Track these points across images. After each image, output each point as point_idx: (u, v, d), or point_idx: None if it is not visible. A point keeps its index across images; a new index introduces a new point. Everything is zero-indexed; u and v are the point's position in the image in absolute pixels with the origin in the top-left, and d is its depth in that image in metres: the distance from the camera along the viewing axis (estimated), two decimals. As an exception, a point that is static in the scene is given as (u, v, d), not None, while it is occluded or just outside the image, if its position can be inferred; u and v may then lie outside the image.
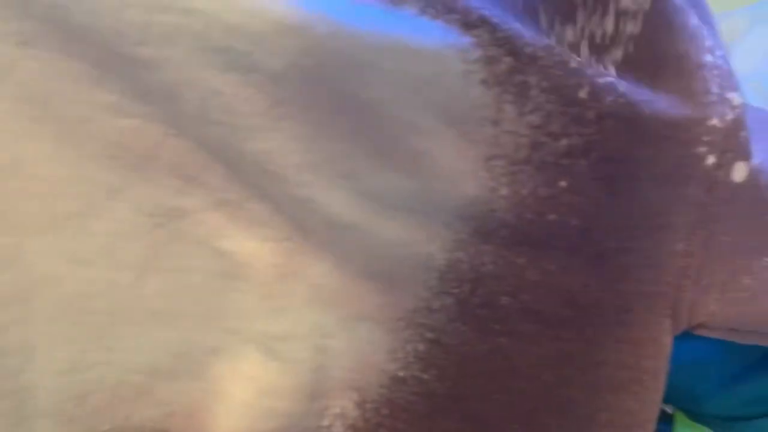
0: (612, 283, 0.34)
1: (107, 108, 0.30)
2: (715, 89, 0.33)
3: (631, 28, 0.34)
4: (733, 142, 0.33)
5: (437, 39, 0.32)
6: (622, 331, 0.33)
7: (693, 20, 0.34)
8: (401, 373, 0.35)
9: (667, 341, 0.33)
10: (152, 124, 0.31)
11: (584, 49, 0.34)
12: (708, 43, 0.34)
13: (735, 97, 0.33)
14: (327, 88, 0.31)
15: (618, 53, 0.34)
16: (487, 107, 0.32)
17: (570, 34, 0.34)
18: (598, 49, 0.34)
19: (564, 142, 0.32)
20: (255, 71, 0.30)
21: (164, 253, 0.33)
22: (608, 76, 0.33)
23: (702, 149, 0.33)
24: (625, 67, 0.34)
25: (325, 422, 0.35)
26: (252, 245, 0.33)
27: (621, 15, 0.34)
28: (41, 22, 0.29)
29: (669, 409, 0.48)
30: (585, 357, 0.33)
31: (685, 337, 0.35)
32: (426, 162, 0.32)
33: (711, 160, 0.33)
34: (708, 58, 0.34)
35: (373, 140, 0.32)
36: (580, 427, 0.34)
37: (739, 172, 0.33)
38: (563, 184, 0.33)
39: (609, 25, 0.34)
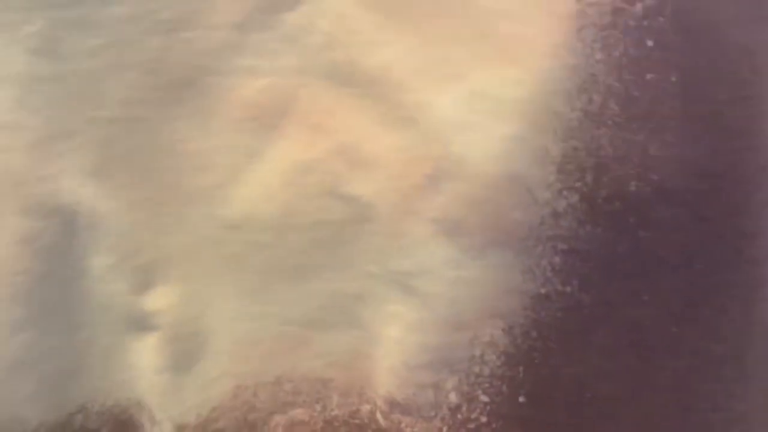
0: (730, 140, 0.32)
1: (243, 72, 0.31)
2: None
3: None
4: None
5: None
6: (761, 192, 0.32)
7: None
8: (542, 290, 0.34)
9: None
10: (285, 79, 0.32)
11: None
12: None
13: None
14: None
15: None
16: None
17: None
18: None
19: (639, 5, 0.34)
20: None
21: (298, 210, 0.34)
22: None
23: None
24: None
25: (477, 352, 0.35)
26: (373, 187, 0.33)
27: None
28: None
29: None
30: (730, 229, 0.32)
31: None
32: (523, 45, 0.31)
33: None
34: None
35: (472, 36, 0.31)
36: (738, 304, 0.32)
37: None
38: (650, 43, 0.33)
39: None
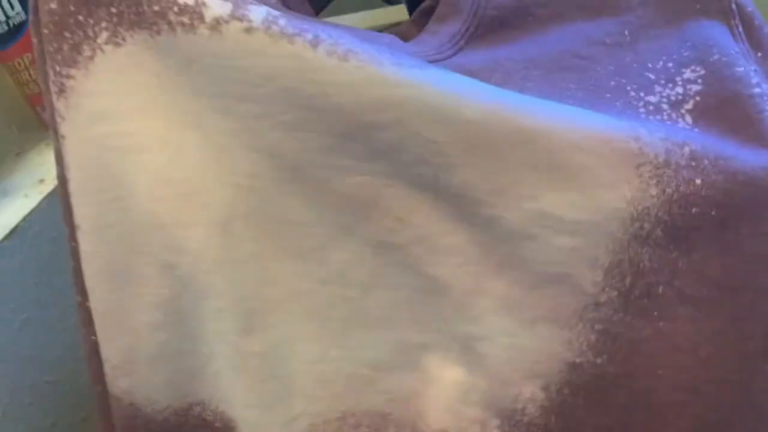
0: (749, 264, 0.38)
1: (343, 169, 0.41)
2: None
3: (696, 89, 0.42)
4: None
5: None
6: (763, 306, 0.38)
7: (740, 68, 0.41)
8: (577, 360, 0.41)
9: None
10: (375, 179, 0.41)
11: (664, 105, 0.42)
12: (754, 80, 0.41)
13: None
14: (508, 129, 0.38)
15: (689, 104, 0.42)
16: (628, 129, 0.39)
17: (651, 98, 0.42)
18: (672, 106, 0.42)
19: (687, 149, 0.38)
20: (457, 121, 0.39)
21: (383, 275, 0.43)
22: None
23: None
24: (697, 114, 0.41)
25: (519, 405, 0.42)
26: (447, 271, 0.42)
27: (686, 83, 0.43)
28: (303, 110, 0.39)
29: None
30: (735, 332, 0.38)
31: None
32: (587, 175, 0.38)
33: None
34: (756, 90, 0.40)
35: (544, 164, 0.39)
36: (739, 394, 0.38)
37: None
38: (698, 181, 0.38)
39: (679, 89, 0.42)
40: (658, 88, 0.43)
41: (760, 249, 0.38)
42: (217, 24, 0.39)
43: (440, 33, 0.47)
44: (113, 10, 0.40)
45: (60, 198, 0.46)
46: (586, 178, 0.38)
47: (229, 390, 0.46)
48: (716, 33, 0.44)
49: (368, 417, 0.46)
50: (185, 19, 0.40)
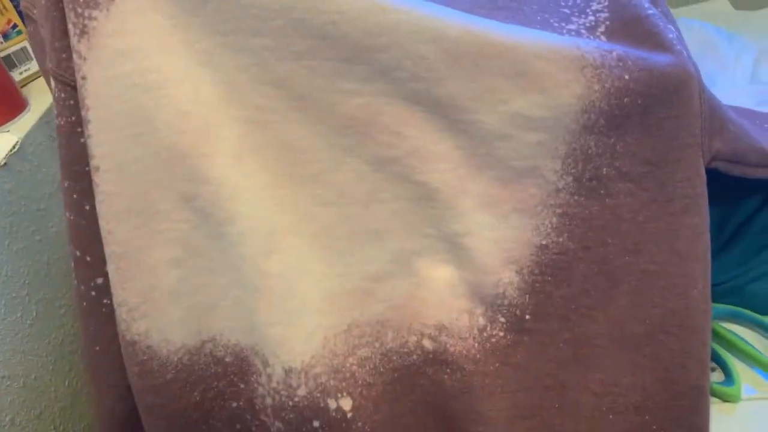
0: (667, 140, 0.48)
1: (347, 92, 0.46)
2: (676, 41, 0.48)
3: (604, 15, 0.50)
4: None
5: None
6: (679, 173, 0.48)
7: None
8: (544, 242, 0.49)
9: (704, 173, 0.49)
10: (376, 99, 0.46)
11: (582, 30, 0.50)
12: (646, 4, 0.50)
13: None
14: (482, 42, 0.45)
15: (602, 28, 0.50)
16: (571, 41, 0.47)
17: (571, 26, 0.50)
18: (589, 30, 0.50)
19: (614, 53, 0.47)
20: (443, 39, 0.44)
21: (381, 189, 0.48)
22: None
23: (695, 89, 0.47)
24: (609, 34, 0.49)
25: (500, 290, 0.49)
26: (437, 176, 0.48)
27: (595, 12, 0.51)
28: (314, 39, 0.44)
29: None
30: (662, 196, 0.48)
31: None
32: (547, 78, 0.46)
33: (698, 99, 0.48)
34: (650, 11, 0.50)
35: (513, 72, 0.46)
36: (670, 245, 0.48)
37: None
38: (626, 76, 0.47)
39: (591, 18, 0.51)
40: (574, 19, 0.50)
41: (672, 126, 0.48)
42: None
43: None
44: None
45: (62, 148, 0.46)
46: (547, 81, 0.46)
47: (250, 314, 0.48)
48: None
49: (369, 326, 0.50)
50: None
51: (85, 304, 0.50)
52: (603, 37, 0.49)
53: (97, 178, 0.45)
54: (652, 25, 0.48)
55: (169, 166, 0.45)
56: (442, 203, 0.49)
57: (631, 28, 0.49)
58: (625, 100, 0.47)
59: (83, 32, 0.43)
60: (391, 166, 0.48)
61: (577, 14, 0.51)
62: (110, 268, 0.46)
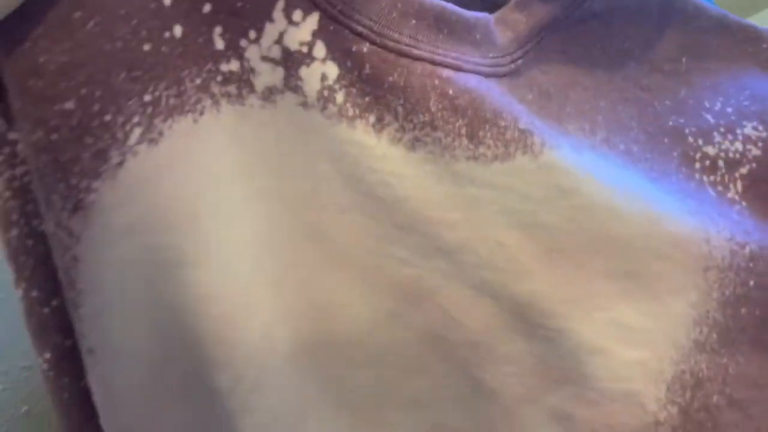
0: None
1: (398, 260, 0.37)
2: None
3: (754, 153, 0.41)
4: None
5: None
6: None
7: None
8: None
9: None
10: (432, 275, 0.37)
11: (720, 162, 0.40)
12: None
13: None
14: (590, 237, 0.37)
15: (745, 169, 0.41)
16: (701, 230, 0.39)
17: (709, 149, 0.41)
18: (728, 166, 0.41)
19: (747, 249, 0.39)
20: (535, 226, 0.36)
21: (426, 360, 0.39)
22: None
23: None
24: (749, 182, 0.40)
25: None
26: (498, 379, 0.38)
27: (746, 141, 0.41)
28: (362, 196, 0.36)
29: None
30: (766, 424, 0.39)
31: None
32: (661, 283, 0.38)
33: None
34: None
35: (622, 273, 0.37)
36: None
37: None
38: (751, 282, 0.39)
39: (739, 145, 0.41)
40: (717, 138, 0.40)
41: None
42: (270, 94, 0.35)
43: (516, 26, 0.39)
44: (147, 98, 0.32)
45: (34, 327, 0.37)
46: (660, 286, 0.38)
47: None
48: None
49: None
50: (232, 89, 0.34)
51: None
52: (739, 184, 0.40)
53: (90, 360, 0.36)
54: None
55: (182, 351, 0.36)
56: (498, 407, 0.39)
57: None
58: (743, 310, 0.39)
59: (77, 207, 0.33)
60: (441, 345, 0.39)
61: (723, 131, 0.41)
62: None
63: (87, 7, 0.30)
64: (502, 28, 0.38)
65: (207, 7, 0.33)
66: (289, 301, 0.38)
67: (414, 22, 0.35)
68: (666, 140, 0.40)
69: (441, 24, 0.35)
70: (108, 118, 0.31)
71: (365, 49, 0.34)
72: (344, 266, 0.38)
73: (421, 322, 0.39)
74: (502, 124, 0.35)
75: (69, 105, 0.30)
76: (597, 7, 0.41)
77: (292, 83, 0.34)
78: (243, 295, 0.36)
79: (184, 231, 0.34)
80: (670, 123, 0.41)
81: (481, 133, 0.35)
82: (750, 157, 0.40)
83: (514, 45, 0.38)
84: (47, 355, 0.38)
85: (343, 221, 0.37)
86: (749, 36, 0.42)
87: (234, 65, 0.34)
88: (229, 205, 0.35)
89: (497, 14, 0.39)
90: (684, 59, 0.41)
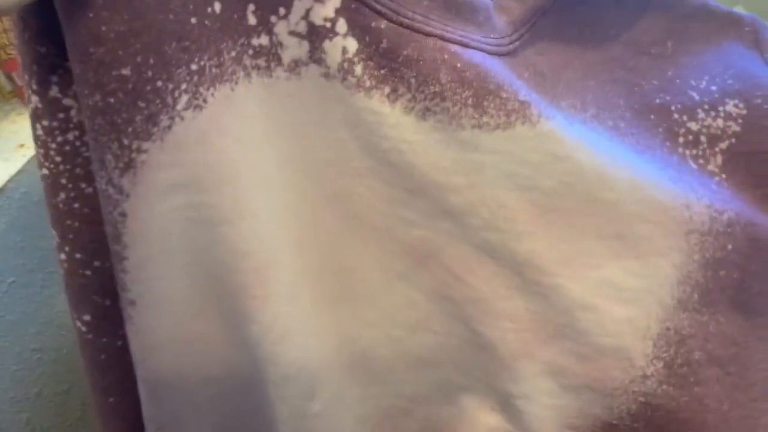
0: (755, 318, 0.42)
1: (407, 222, 0.40)
2: None
3: (734, 129, 0.43)
4: None
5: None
6: (760, 354, 0.42)
7: None
8: (614, 422, 0.43)
9: None
10: (437, 236, 0.40)
11: (702, 138, 0.43)
12: None
13: None
14: (582, 199, 0.40)
15: (724, 143, 0.43)
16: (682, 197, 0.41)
17: (692, 125, 0.43)
18: (710, 141, 0.43)
19: (725, 215, 0.42)
20: (533, 189, 0.39)
21: (432, 319, 0.43)
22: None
23: None
24: (728, 156, 0.43)
25: None
26: (497, 333, 0.42)
27: (727, 117, 0.43)
28: (376, 161, 0.39)
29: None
30: (744, 380, 0.42)
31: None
32: (648, 244, 0.41)
33: None
34: None
35: (611, 234, 0.40)
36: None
37: None
38: (729, 246, 0.42)
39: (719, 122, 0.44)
40: (701, 114, 0.43)
41: (762, 303, 0.43)
42: (295, 66, 0.37)
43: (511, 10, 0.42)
44: (194, 67, 0.34)
45: (76, 290, 0.39)
46: (647, 247, 0.40)
47: None
48: (758, 71, 0.44)
49: None
50: (261, 62, 0.37)
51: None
52: (719, 157, 0.43)
53: (131, 311, 0.39)
54: None
55: (216, 300, 0.39)
56: (497, 360, 0.43)
57: (754, 162, 0.43)
58: (722, 272, 0.42)
59: (128, 167, 0.35)
60: (446, 303, 0.42)
61: (706, 108, 0.43)
62: (141, 390, 0.41)
63: None
64: (500, 13, 0.41)
65: None
66: (309, 261, 0.41)
67: (426, 2, 0.37)
68: (652, 116, 0.43)
69: (450, 5, 0.38)
70: (159, 84, 0.33)
71: (383, 26, 0.36)
72: (359, 229, 0.41)
73: (428, 281, 0.42)
74: (504, 95, 0.37)
75: (125, 71, 0.32)
76: None
77: (316, 56, 0.37)
78: (271, 253, 0.39)
79: (223, 192, 0.36)
80: (657, 101, 0.43)
81: (485, 103, 0.37)
82: (730, 132, 0.43)
83: (511, 28, 0.41)
84: (86, 318, 0.40)
85: (358, 185, 0.40)
86: (731, 20, 0.45)
87: (264, 39, 0.36)
88: (261, 170, 0.38)
89: (495, 0, 0.42)
90: (669, 43, 0.44)
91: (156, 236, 0.37)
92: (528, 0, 0.42)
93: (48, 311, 0.64)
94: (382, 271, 0.42)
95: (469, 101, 0.37)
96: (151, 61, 0.33)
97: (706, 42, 0.45)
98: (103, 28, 0.31)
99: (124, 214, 0.36)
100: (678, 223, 0.41)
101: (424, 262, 0.41)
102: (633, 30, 0.45)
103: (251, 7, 0.36)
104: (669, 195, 0.40)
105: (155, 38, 0.33)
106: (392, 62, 0.37)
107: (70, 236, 0.38)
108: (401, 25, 0.37)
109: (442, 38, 0.37)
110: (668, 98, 0.43)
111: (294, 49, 0.37)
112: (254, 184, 0.38)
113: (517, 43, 0.41)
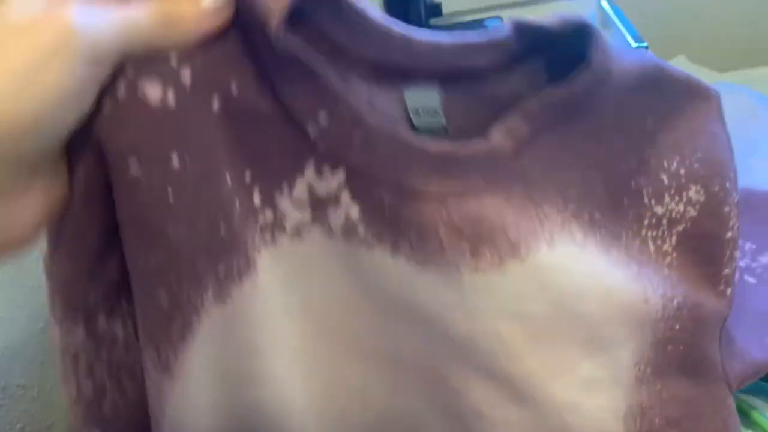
0: (698, 378, 0.46)
1: (412, 349, 0.43)
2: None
3: (692, 214, 0.46)
4: None
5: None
6: (709, 407, 0.46)
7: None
8: None
9: (732, 403, 0.48)
10: (438, 357, 0.42)
11: (664, 221, 0.45)
12: (731, 222, 0.47)
13: None
14: (563, 316, 0.43)
15: (681, 227, 0.46)
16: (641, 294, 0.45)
17: (658, 209, 0.45)
18: (669, 223, 0.45)
19: (675, 301, 0.45)
20: (524, 317, 0.42)
21: (432, 421, 0.45)
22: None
23: None
24: (682, 238, 0.46)
25: None
26: None
27: (688, 203, 0.45)
28: (385, 302, 0.42)
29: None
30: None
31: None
32: (612, 341, 0.44)
33: None
34: (729, 234, 0.46)
35: (584, 339, 0.43)
36: None
37: None
38: (677, 327, 0.45)
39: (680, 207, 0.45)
40: (666, 198, 0.45)
41: (703, 366, 0.47)
42: (298, 231, 0.40)
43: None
44: (221, 268, 0.38)
45: None
46: (611, 343, 0.44)
47: None
48: (722, 152, 0.46)
49: None
50: (267, 237, 0.40)
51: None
52: (674, 239, 0.46)
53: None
54: (721, 252, 0.46)
55: None
56: None
57: (703, 244, 0.46)
58: (669, 347, 0.45)
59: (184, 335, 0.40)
60: (447, 411, 0.45)
61: (672, 193, 0.45)
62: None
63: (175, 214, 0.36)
64: (504, 136, 0.41)
65: (247, 177, 0.38)
66: (314, 392, 0.44)
67: (425, 168, 0.40)
68: (625, 201, 0.45)
69: (451, 166, 0.40)
70: (191, 294, 0.38)
71: (385, 192, 0.39)
72: (363, 360, 0.44)
73: (427, 390, 0.44)
74: (498, 241, 0.40)
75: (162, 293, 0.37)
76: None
77: (318, 219, 0.40)
78: (290, 401, 0.43)
79: (251, 360, 0.41)
80: (632, 184, 0.44)
81: (481, 250, 0.40)
82: (687, 217, 0.46)
83: (514, 149, 0.41)
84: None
85: (361, 322, 0.42)
86: (700, 93, 0.46)
87: (268, 215, 0.39)
88: (280, 334, 0.42)
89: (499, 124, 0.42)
90: (649, 119, 0.44)
91: (194, 387, 0.40)
92: (536, 120, 0.42)
93: (33, 348, 0.65)
94: (383, 396, 0.45)
95: (467, 252, 0.40)
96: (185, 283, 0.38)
97: (679, 117, 0.45)
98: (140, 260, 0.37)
99: (172, 375, 0.40)
100: (637, 319, 0.44)
101: (425, 376, 0.44)
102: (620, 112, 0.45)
103: (256, 191, 0.39)
104: (631, 296, 0.44)
105: (188, 261, 0.37)
106: (394, 224, 0.40)
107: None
108: (402, 191, 0.39)
109: (440, 198, 0.40)
110: (642, 181, 0.45)
111: (297, 216, 0.40)
112: (276, 350, 0.42)
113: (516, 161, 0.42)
